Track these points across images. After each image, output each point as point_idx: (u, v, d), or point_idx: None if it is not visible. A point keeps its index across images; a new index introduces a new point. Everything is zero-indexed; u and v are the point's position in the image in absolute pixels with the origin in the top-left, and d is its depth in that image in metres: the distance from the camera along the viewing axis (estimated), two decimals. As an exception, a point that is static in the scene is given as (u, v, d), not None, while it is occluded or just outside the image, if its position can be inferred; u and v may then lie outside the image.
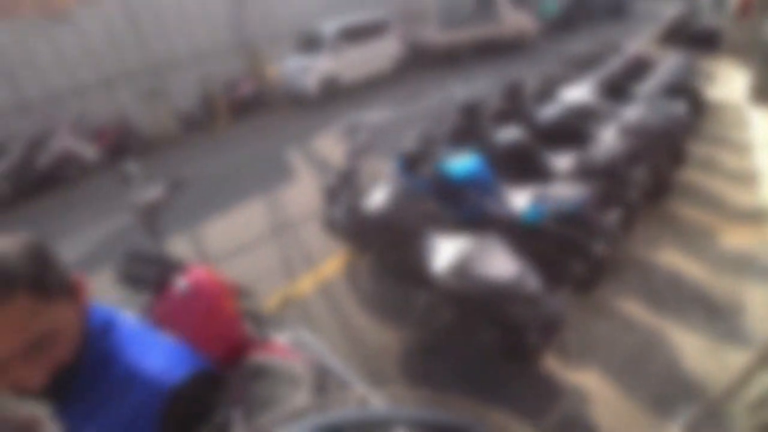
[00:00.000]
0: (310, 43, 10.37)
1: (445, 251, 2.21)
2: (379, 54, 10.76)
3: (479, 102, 3.83)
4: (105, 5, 9.41)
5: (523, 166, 3.25)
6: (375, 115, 8.21)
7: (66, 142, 8.40)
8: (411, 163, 3.33)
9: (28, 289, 0.65)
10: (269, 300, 3.41)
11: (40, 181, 8.26)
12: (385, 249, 2.85)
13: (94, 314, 0.79)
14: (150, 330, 0.86)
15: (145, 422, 0.73)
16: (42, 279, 0.68)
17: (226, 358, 1.84)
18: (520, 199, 2.69)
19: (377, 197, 2.88)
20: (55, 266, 0.71)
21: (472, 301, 1.95)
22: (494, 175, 2.93)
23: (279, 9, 11.44)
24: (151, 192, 2.38)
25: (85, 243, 5.52)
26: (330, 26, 10.09)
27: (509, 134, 3.46)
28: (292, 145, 7.64)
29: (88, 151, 8.51)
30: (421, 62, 11.70)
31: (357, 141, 3.25)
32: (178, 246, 4.57)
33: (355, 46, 10.21)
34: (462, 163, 2.96)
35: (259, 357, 1.84)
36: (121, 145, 9.15)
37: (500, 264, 1.92)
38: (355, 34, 10.27)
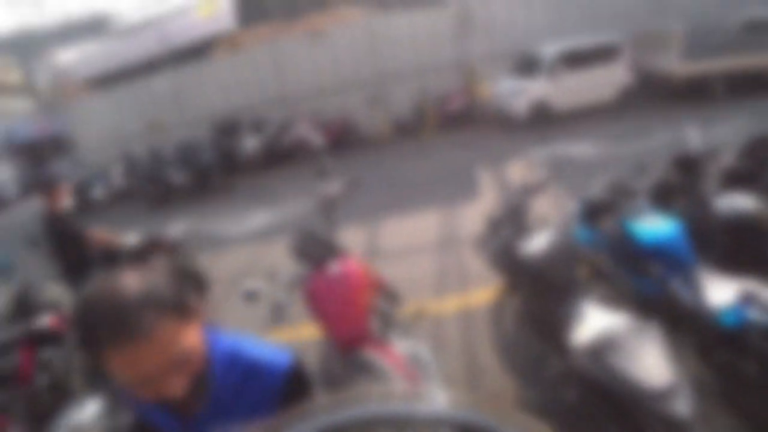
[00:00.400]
0: (527, 64, 10.13)
1: (591, 323, 1.91)
2: (602, 81, 9.73)
3: (704, 154, 3.11)
4: (351, 26, 11.22)
5: (743, 248, 2.53)
6: (579, 149, 7.54)
7: (302, 130, 10.36)
8: (593, 212, 2.98)
9: (174, 313, 0.74)
10: (407, 306, 3.49)
11: (281, 156, 10.60)
12: (532, 299, 2.64)
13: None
14: (237, 333, 0.99)
15: (273, 400, 0.88)
16: (183, 304, 0.76)
17: (344, 342, 2.08)
18: (721, 292, 2.11)
19: (539, 242, 2.67)
20: (189, 291, 0.81)
21: (602, 393, 1.64)
22: (694, 251, 2.38)
23: (503, 29, 11.53)
24: (333, 187, 2.77)
25: (292, 210, 6.83)
26: (550, 49, 9.64)
27: (737, 202, 2.74)
28: (486, 164, 7.68)
29: (317, 140, 10.26)
30: (653, 95, 10.07)
31: (533, 175, 3.08)
32: (350, 235, 5.14)
33: (575, 72, 9.50)
34: (656, 226, 2.49)
35: (370, 353, 1.99)
36: (343, 138, 10.86)
37: (652, 364, 1.55)
38: (577, 59, 9.52)
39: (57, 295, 3.92)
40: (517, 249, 2.69)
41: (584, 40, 9.78)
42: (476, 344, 3.16)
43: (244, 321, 3.79)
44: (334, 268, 2.24)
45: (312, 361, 2.95)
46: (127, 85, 12.59)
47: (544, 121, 9.59)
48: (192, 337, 0.78)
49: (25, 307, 3.52)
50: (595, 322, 1.93)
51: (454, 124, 10.95)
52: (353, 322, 2.13)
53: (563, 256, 2.44)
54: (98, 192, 11.20)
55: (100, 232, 4.01)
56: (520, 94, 9.63)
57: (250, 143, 10.61)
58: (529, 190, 3.03)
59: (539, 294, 2.48)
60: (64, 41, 17.64)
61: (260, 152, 10.63)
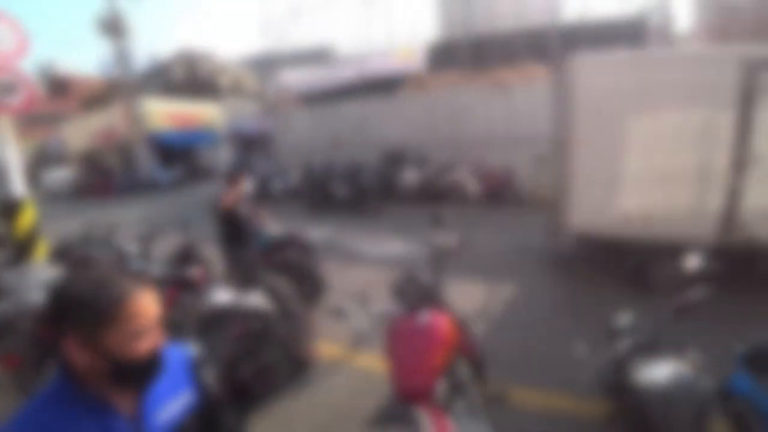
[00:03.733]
0: None
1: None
2: None
3: None
4: (534, 83, 10.91)
5: None
6: None
7: (460, 175, 10.55)
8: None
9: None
10: (490, 385, 2.87)
11: (436, 194, 10.85)
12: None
13: None
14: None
15: (189, 376, 1.28)
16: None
17: (401, 393, 2.05)
18: None
19: (662, 371, 2.15)
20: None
21: None
22: None
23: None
24: (446, 240, 2.79)
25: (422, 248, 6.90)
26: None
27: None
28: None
29: (472, 187, 10.36)
30: None
31: None
32: (454, 291, 4.99)
33: None
34: None
35: (422, 415, 1.93)
36: (500, 192, 10.59)
37: None
38: None
39: (210, 255, 4.77)
40: (633, 371, 2.22)
41: None
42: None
43: (330, 332, 3.96)
44: (423, 317, 2.22)
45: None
46: (325, 105, 14.72)
47: None
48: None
49: (185, 256, 4.39)
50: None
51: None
52: (417, 376, 2.05)
53: (689, 401, 1.92)
54: (277, 186, 13.49)
55: (262, 213, 5.05)
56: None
57: (410, 176, 11.35)
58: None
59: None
60: (293, 64, 21.94)
61: (416, 186, 11.23)
